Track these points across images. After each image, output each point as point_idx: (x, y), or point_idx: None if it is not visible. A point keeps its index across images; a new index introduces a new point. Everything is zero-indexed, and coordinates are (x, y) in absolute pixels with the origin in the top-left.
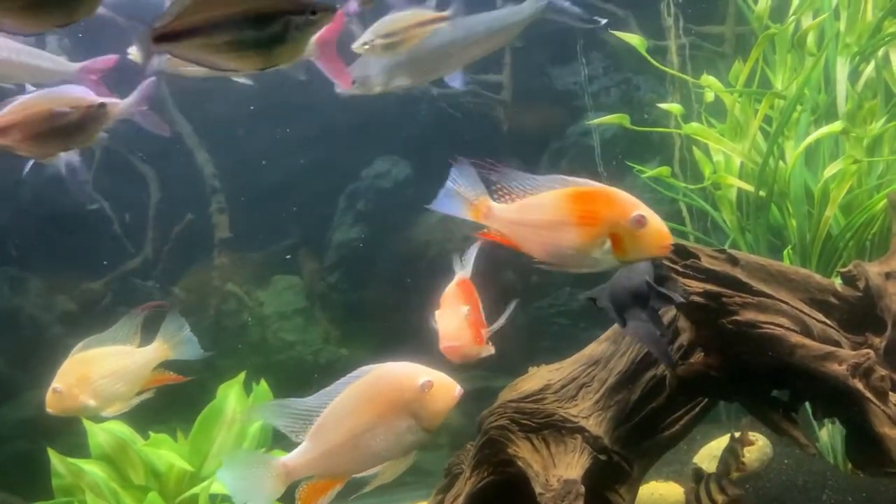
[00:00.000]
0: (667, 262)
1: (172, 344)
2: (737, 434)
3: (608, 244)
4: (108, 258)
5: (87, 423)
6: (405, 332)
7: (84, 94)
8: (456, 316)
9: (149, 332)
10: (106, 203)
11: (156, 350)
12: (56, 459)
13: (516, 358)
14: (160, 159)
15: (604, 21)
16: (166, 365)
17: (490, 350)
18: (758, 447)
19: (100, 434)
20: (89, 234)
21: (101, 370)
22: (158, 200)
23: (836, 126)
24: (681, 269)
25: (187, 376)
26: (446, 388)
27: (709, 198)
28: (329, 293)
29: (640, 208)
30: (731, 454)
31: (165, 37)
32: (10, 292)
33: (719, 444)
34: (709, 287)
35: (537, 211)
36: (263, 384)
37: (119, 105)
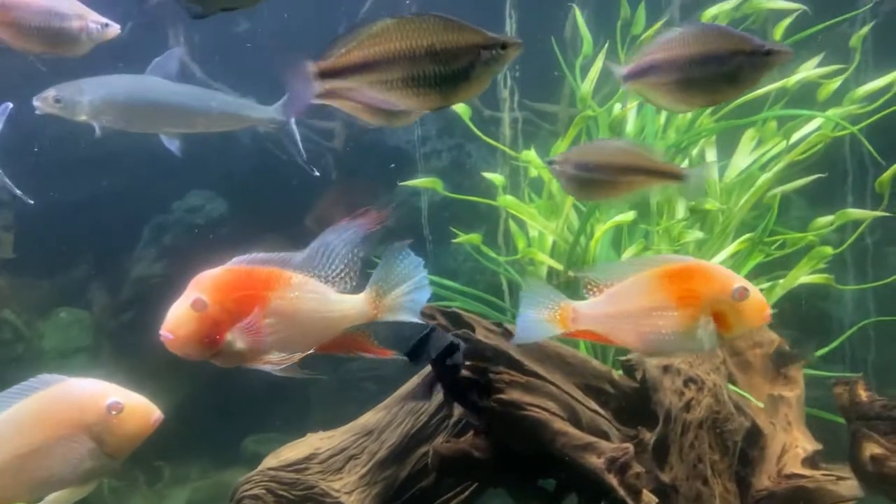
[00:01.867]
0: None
1: None
2: None
3: (711, 323)
4: None
5: None
6: (201, 384)
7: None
8: (184, 302)
9: None
10: None
11: None
12: None
13: (318, 422)
14: None
15: (316, 173)
16: None
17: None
18: None
19: None
20: None
21: None
22: None
23: (629, 216)
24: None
25: None
26: (140, 413)
27: (525, 273)
28: (120, 333)
29: (738, 280)
30: None
31: (332, 72)
32: None
33: None
34: (477, 363)
35: (630, 299)
36: None
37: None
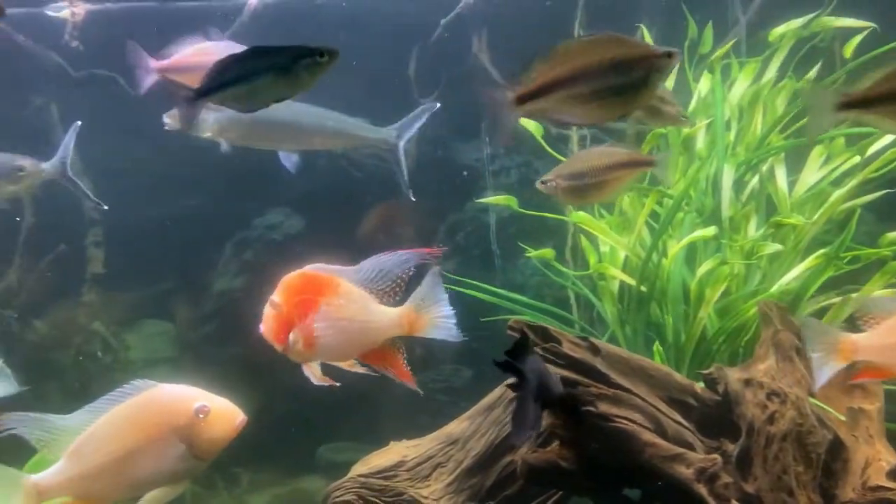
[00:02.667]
0: None
1: None
2: None
3: None
4: None
5: None
6: (278, 393)
7: None
8: (269, 300)
9: None
10: None
11: None
12: None
13: (390, 431)
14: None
15: (413, 198)
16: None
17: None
18: None
19: None
20: None
21: None
22: (31, 226)
23: (710, 230)
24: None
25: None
26: (226, 416)
27: (595, 288)
28: (202, 344)
29: None
30: None
31: (528, 96)
32: None
33: None
34: (566, 374)
35: None
36: None
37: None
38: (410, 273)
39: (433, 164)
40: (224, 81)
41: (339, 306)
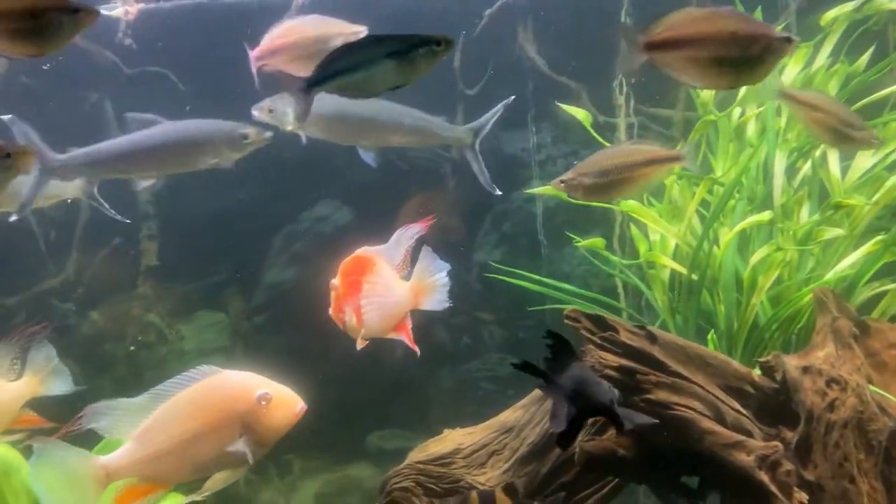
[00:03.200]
0: (585, 333)
1: (41, 378)
2: None
3: None
4: (27, 274)
5: None
6: (328, 382)
7: None
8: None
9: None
10: (32, 218)
11: (24, 385)
12: None
13: (438, 420)
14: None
15: (498, 192)
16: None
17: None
18: None
19: None
20: (11, 247)
21: None
22: (87, 220)
23: (765, 215)
24: (598, 342)
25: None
26: (287, 404)
27: (644, 276)
28: (254, 334)
29: None
30: None
31: (655, 45)
32: None
33: None
34: (624, 362)
35: None
36: None
37: None
38: (412, 247)
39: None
40: (337, 70)
41: (375, 284)
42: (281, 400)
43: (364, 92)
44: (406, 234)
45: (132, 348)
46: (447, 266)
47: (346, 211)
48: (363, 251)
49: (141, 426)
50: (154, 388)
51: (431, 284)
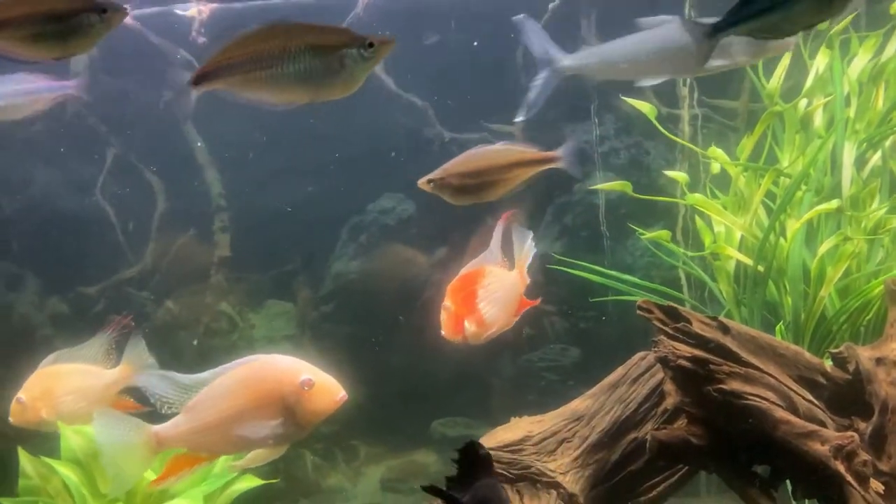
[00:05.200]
0: (658, 324)
1: (136, 368)
2: None
3: None
4: (106, 264)
5: (62, 426)
6: (392, 371)
7: None
8: (442, 307)
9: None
10: (111, 209)
11: (120, 373)
12: (25, 459)
13: (500, 408)
14: (170, 172)
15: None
16: None
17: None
18: None
19: (73, 438)
20: (91, 238)
21: (66, 387)
22: (163, 212)
23: (833, 203)
24: (670, 332)
25: None
26: (328, 391)
27: (707, 268)
28: (321, 323)
29: None
30: None
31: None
32: (6, 288)
33: None
34: (697, 353)
35: None
36: None
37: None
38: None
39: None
40: (752, 12)
41: (489, 285)
42: (323, 387)
43: (777, 33)
44: (496, 234)
45: (201, 336)
46: (529, 232)
47: (408, 203)
48: (467, 268)
49: (192, 400)
50: (210, 370)
51: (527, 255)
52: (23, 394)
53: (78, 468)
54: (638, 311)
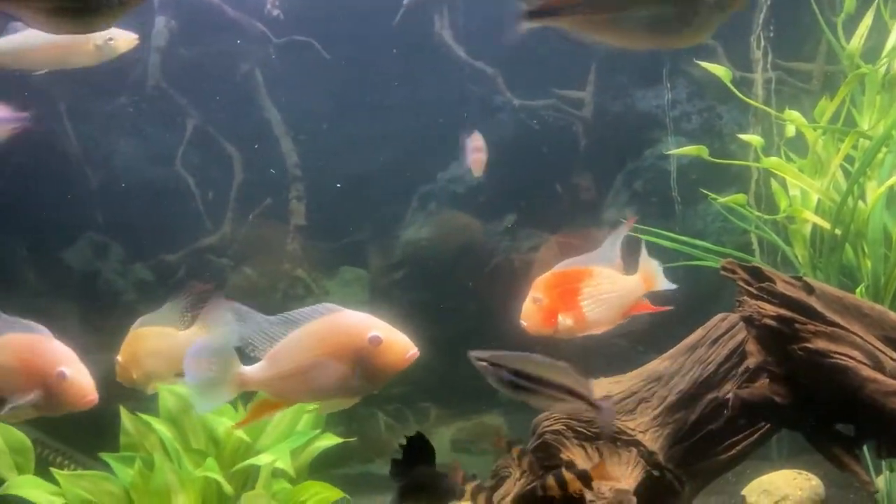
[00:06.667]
0: (742, 284)
1: (208, 330)
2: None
3: None
4: (186, 233)
5: (160, 386)
6: (462, 336)
7: None
8: (529, 299)
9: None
10: (191, 179)
11: (193, 334)
12: (126, 417)
13: None
14: (247, 143)
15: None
16: None
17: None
18: (811, 486)
19: (169, 397)
20: (172, 207)
21: (148, 349)
22: (241, 182)
23: None
24: (755, 292)
25: None
26: (397, 348)
27: (780, 232)
28: (392, 289)
29: None
30: None
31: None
32: (93, 256)
33: (770, 478)
34: (782, 312)
35: None
36: None
37: None
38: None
39: (612, 111)
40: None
41: (598, 285)
42: (393, 343)
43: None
44: (616, 237)
45: (280, 301)
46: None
47: None
48: (566, 265)
49: (274, 348)
50: (286, 312)
51: (656, 270)
52: (119, 356)
53: (173, 426)
54: (721, 272)
